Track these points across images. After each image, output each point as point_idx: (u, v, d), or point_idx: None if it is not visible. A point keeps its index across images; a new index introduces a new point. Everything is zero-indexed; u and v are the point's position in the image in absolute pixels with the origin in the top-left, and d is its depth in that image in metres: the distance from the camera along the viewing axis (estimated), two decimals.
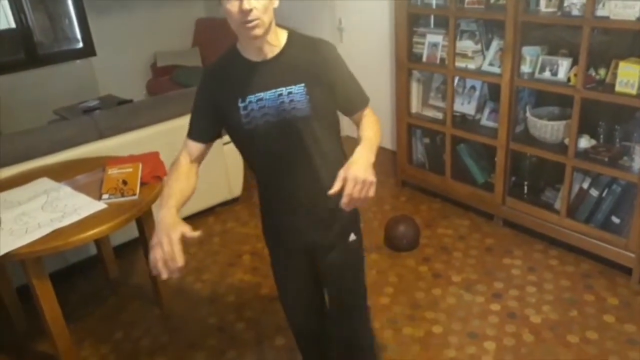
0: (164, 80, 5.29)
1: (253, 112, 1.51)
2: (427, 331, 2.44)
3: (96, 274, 3.03)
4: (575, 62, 2.62)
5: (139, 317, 2.70)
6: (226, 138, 3.65)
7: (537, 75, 2.79)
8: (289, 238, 1.76)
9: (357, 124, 1.63)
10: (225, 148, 3.48)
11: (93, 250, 2.98)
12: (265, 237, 1.85)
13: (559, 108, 2.91)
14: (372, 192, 1.37)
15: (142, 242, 2.60)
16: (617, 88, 2.46)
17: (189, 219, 3.45)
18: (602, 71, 2.61)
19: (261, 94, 1.50)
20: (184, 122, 3.14)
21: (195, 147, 1.67)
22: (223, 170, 3.51)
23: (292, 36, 1.56)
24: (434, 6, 3.25)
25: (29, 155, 2.72)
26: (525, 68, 2.82)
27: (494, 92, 3.15)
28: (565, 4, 2.56)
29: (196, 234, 1.41)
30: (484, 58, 3.04)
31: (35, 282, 2.10)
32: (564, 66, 2.69)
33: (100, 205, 2.21)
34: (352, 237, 1.77)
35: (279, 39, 1.53)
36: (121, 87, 5.07)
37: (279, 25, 1.53)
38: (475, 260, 2.92)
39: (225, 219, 3.53)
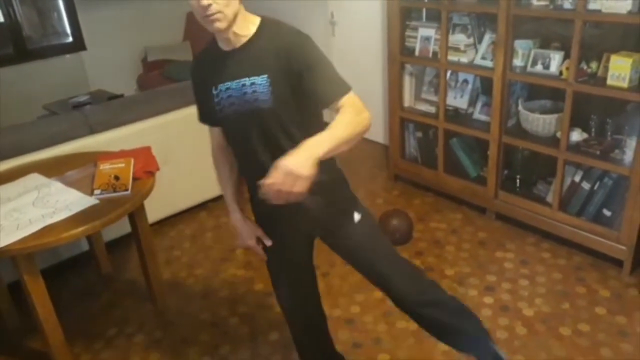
0: (155, 74, 5.25)
1: (223, 101, 1.54)
2: None
3: (88, 270, 3.01)
4: (567, 56, 2.63)
5: (132, 312, 2.69)
6: None
7: (529, 68, 2.79)
8: (277, 228, 1.76)
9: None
10: None
11: (85, 246, 2.96)
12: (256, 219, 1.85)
13: (551, 101, 2.92)
14: (298, 188, 1.25)
15: (134, 238, 2.58)
16: (609, 81, 2.47)
17: (182, 214, 3.46)
18: (593, 64, 2.61)
19: (228, 84, 1.52)
20: (175, 116, 3.20)
21: (215, 131, 1.74)
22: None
23: (263, 25, 1.52)
24: (425, 0, 3.24)
25: (19, 151, 2.69)
26: (518, 61, 2.82)
27: (486, 86, 3.16)
28: None
29: (268, 242, 1.77)
30: (477, 52, 3.04)
31: (26, 278, 2.09)
32: (556, 60, 2.69)
33: (92, 201, 2.20)
34: (357, 216, 1.72)
35: (248, 28, 1.50)
36: (111, 82, 5.04)
37: (253, 13, 1.52)
38: (468, 254, 2.93)
39: (218, 214, 3.52)
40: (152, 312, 2.69)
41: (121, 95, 4.39)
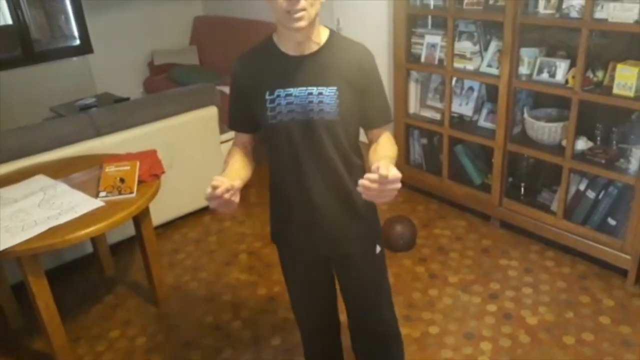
0: (161, 78, 5.28)
1: (279, 107, 1.46)
2: (424, 332, 2.44)
3: (92, 272, 3.02)
4: (573, 64, 2.63)
5: (135, 315, 2.70)
6: (223, 137, 3.66)
7: (535, 76, 2.79)
8: (302, 247, 1.68)
9: (372, 140, 1.57)
10: (223, 147, 3.48)
11: (89, 248, 2.97)
12: (275, 239, 1.77)
13: (557, 110, 2.92)
14: (388, 198, 1.27)
15: (138, 241, 2.59)
16: (615, 90, 2.46)
17: (186, 218, 3.47)
18: (599, 73, 2.61)
19: (291, 90, 1.45)
20: (181, 120, 3.22)
21: (242, 137, 1.65)
22: (220, 168, 3.50)
23: (333, 36, 1.50)
24: (432, 7, 3.25)
25: (26, 153, 2.71)
26: (524, 69, 2.82)
27: (491, 93, 3.16)
28: (564, 6, 2.57)
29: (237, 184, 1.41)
30: (482, 59, 3.05)
31: (31, 279, 2.10)
32: (561, 68, 2.69)
33: (97, 203, 2.21)
34: (378, 248, 1.72)
35: (320, 36, 1.47)
36: (118, 85, 5.07)
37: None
38: (472, 261, 2.92)
39: (221, 218, 3.53)
40: (155, 315, 2.69)
41: (127, 99, 4.41)
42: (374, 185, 1.23)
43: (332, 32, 1.51)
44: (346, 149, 1.53)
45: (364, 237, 1.68)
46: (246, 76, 1.53)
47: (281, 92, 1.46)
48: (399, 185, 1.26)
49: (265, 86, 1.47)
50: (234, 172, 1.51)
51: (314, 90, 1.44)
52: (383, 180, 1.22)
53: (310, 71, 1.45)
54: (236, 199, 1.37)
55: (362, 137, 1.61)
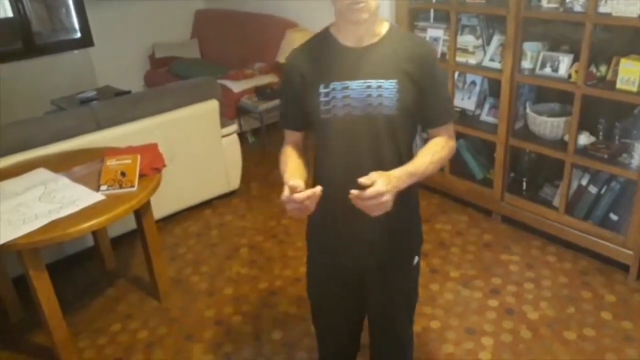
0: (162, 71, 5.27)
1: (334, 101, 1.39)
2: (425, 327, 2.44)
3: (93, 266, 3.02)
4: (576, 59, 2.62)
5: (136, 309, 2.70)
6: (224, 130, 3.65)
7: (537, 71, 2.78)
8: (339, 254, 1.60)
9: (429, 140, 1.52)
10: (224, 140, 3.48)
11: (90, 242, 2.97)
12: (311, 242, 1.71)
13: (559, 104, 2.91)
14: (376, 213, 1.29)
15: (139, 234, 2.59)
16: (618, 85, 2.45)
17: (187, 212, 3.47)
18: (603, 68, 2.60)
19: (347, 83, 1.39)
20: (182, 114, 3.21)
21: (293, 135, 1.59)
22: (221, 162, 3.50)
23: (393, 29, 1.45)
24: (434, 1, 3.23)
25: (26, 146, 2.70)
26: (526, 64, 2.81)
27: (494, 88, 3.15)
28: (568, 0, 2.55)
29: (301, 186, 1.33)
30: (485, 53, 3.03)
31: (32, 273, 2.09)
32: (564, 62, 2.68)
33: (98, 197, 2.20)
34: (416, 259, 1.66)
35: (380, 28, 1.43)
36: (119, 78, 5.05)
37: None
38: (473, 256, 2.91)
39: (223, 211, 3.52)
40: (156, 308, 2.69)
41: (128, 92, 4.39)
42: (357, 200, 1.25)
43: (392, 26, 1.46)
44: (401, 148, 1.46)
45: (406, 248, 1.63)
46: (300, 68, 1.46)
47: (337, 85, 1.39)
48: (384, 199, 1.26)
49: (320, 78, 1.41)
50: (297, 173, 1.45)
51: (373, 83, 1.38)
52: (360, 196, 1.23)
53: (370, 63, 1.40)
54: (312, 205, 1.32)
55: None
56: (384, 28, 1.44)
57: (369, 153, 1.44)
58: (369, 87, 1.38)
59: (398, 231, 1.57)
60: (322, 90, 1.40)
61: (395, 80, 1.38)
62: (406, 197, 1.40)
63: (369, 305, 1.72)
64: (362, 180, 1.26)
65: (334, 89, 1.40)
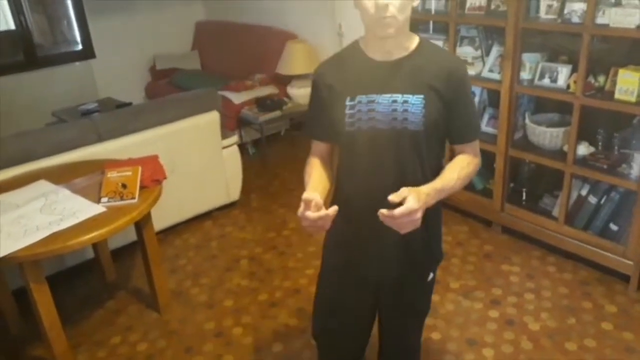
0: (163, 83, 5.29)
1: (359, 114, 1.40)
2: (426, 337, 2.43)
3: (93, 278, 3.01)
4: (574, 69, 2.63)
5: (137, 321, 2.69)
6: (225, 142, 3.66)
7: (536, 81, 2.79)
8: (357, 268, 1.59)
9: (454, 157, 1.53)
10: (224, 152, 3.49)
11: (90, 254, 2.96)
12: (327, 255, 1.68)
13: (559, 115, 2.92)
14: (407, 230, 1.30)
15: (140, 246, 2.59)
16: (617, 95, 2.46)
17: (187, 223, 3.47)
18: (601, 78, 2.61)
19: (374, 96, 1.39)
20: (183, 125, 3.22)
21: (319, 146, 1.58)
22: (221, 174, 3.51)
23: (423, 43, 1.45)
24: (433, 12, 3.25)
25: (27, 158, 2.71)
26: (525, 74, 2.82)
27: (493, 99, 3.16)
28: (566, 11, 2.57)
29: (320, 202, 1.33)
30: (484, 64, 3.05)
31: (32, 285, 2.09)
32: (563, 73, 2.69)
33: (99, 209, 2.21)
34: (431, 276, 1.66)
35: (409, 42, 1.43)
36: (120, 90, 5.07)
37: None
38: (474, 267, 2.91)
39: (223, 223, 3.53)
40: (157, 320, 2.69)
41: (129, 104, 4.42)
42: (386, 219, 1.25)
43: (422, 40, 1.46)
44: (425, 164, 1.45)
45: (424, 263, 1.63)
46: (328, 79, 1.47)
47: (363, 98, 1.40)
48: (416, 217, 1.26)
49: (347, 91, 1.42)
50: (320, 186, 1.45)
51: (399, 97, 1.38)
52: (392, 215, 1.24)
53: (396, 77, 1.39)
54: (326, 225, 1.33)
55: None
56: (413, 42, 1.44)
57: (392, 167, 1.44)
58: (394, 101, 1.38)
59: (420, 248, 1.57)
60: (348, 102, 1.41)
61: (422, 96, 1.38)
62: (431, 214, 1.39)
63: (382, 318, 1.73)
64: (392, 197, 1.26)
65: (359, 102, 1.40)
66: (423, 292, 1.70)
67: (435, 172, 1.47)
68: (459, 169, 1.46)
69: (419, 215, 1.28)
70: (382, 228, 1.30)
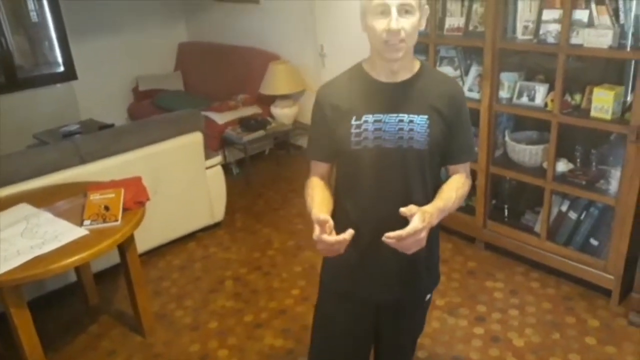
0: (146, 104, 5.28)
1: (366, 133, 1.42)
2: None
3: (76, 301, 2.97)
4: (551, 88, 2.69)
5: (120, 345, 2.65)
6: (208, 162, 3.65)
7: (515, 100, 2.85)
8: (357, 290, 1.59)
9: (448, 176, 1.57)
10: (208, 172, 3.48)
11: (73, 277, 2.92)
12: (326, 278, 1.68)
13: (537, 132, 2.97)
14: (412, 250, 1.33)
15: (123, 269, 2.56)
16: (593, 113, 2.52)
17: (170, 245, 3.44)
18: (577, 97, 2.67)
19: (380, 116, 1.42)
20: (166, 146, 3.22)
21: (319, 167, 1.57)
22: (205, 194, 3.50)
23: (424, 66, 1.50)
24: None
25: (8, 180, 2.68)
26: (504, 93, 2.88)
27: (473, 117, 3.16)
28: (541, 32, 2.63)
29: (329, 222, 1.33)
30: (463, 84, 3.10)
31: (13, 311, 2.06)
32: (540, 92, 2.75)
33: (81, 232, 2.19)
34: (428, 297, 1.69)
35: (413, 64, 1.47)
36: (102, 111, 5.06)
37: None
38: (458, 284, 2.93)
39: (207, 244, 3.51)
40: (141, 344, 2.65)
41: (112, 125, 4.40)
42: (392, 242, 1.28)
43: (423, 63, 1.50)
44: (428, 182, 1.49)
45: (424, 284, 1.65)
46: (332, 100, 1.48)
47: (369, 117, 1.42)
48: (422, 236, 1.29)
49: (353, 111, 1.44)
50: (325, 207, 1.45)
51: (405, 117, 1.41)
52: (399, 237, 1.26)
53: (402, 98, 1.43)
54: (342, 249, 1.35)
55: None
56: (416, 65, 1.48)
57: (397, 186, 1.46)
58: (401, 121, 1.42)
59: (422, 270, 1.60)
60: (354, 122, 1.43)
61: (426, 116, 1.42)
62: (432, 235, 1.41)
63: (379, 337, 1.74)
64: (404, 210, 1.29)
65: (366, 122, 1.42)
66: (421, 312, 1.74)
67: (435, 189, 1.51)
68: (456, 188, 1.50)
69: (424, 234, 1.30)
70: (386, 248, 1.32)
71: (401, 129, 1.41)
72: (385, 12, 1.32)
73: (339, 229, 1.36)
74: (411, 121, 1.41)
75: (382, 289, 1.59)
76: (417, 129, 1.41)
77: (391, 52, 1.36)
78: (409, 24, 1.33)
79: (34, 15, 5.12)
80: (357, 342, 1.71)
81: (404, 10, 1.32)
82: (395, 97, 1.43)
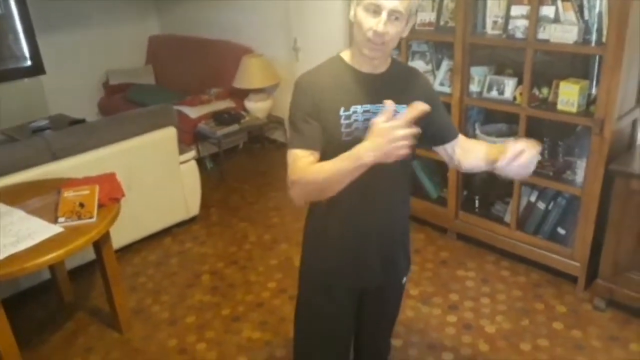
0: (117, 98, 5.22)
1: (356, 124, 1.44)
2: None
3: (50, 299, 2.94)
4: (520, 82, 2.76)
5: (97, 341, 2.64)
6: (182, 157, 3.63)
7: (485, 94, 2.92)
8: (346, 276, 1.62)
9: (451, 154, 1.65)
10: (182, 167, 3.47)
11: (47, 275, 2.90)
12: (310, 273, 1.69)
13: (507, 125, 3.05)
14: (530, 169, 1.51)
15: (99, 265, 2.55)
16: (559, 106, 2.60)
17: (145, 241, 3.42)
18: (545, 90, 2.75)
19: (368, 106, 1.45)
20: (139, 141, 3.20)
21: (310, 159, 1.43)
22: (180, 189, 3.49)
23: (394, 59, 1.57)
24: None
25: None
26: (474, 87, 2.95)
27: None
28: (510, 27, 2.70)
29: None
30: (435, 78, 3.16)
31: None
32: (509, 85, 2.83)
33: (56, 229, 2.17)
34: (404, 279, 1.78)
35: (388, 58, 1.52)
36: (72, 106, 4.97)
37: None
38: (432, 273, 3.00)
39: (182, 239, 3.51)
40: (118, 340, 2.65)
41: (83, 120, 4.33)
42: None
43: (391, 56, 1.55)
44: (408, 167, 1.59)
45: (400, 267, 1.73)
46: (316, 91, 1.45)
47: (358, 108, 1.45)
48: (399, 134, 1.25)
49: (340, 102, 1.44)
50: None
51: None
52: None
53: (385, 89, 1.47)
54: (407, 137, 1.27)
55: None
56: (389, 58, 1.54)
57: (385, 172, 1.44)
58: None
59: (403, 250, 1.71)
60: (342, 113, 1.44)
61: (406, 106, 1.41)
62: (406, 218, 1.48)
63: (361, 323, 1.80)
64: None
65: (355, 112, 1.45)
66: (399, 295, 1.83)
67: (407, 184, 1.64)
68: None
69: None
70: (374, 234, 1.43)
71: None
72: (377, 12, 1.36)
73: (329, 223, 1.50)
74: (396, 111, 1.39)
75: (367, 275, 1.64)
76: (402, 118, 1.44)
77: (370, 51, 1.41)
78: (394, 30, 1.37)
79: None
80: (343, 330, 1.76)
81: (394, 17, 1.36)
82: (379, 88, 1.47)
